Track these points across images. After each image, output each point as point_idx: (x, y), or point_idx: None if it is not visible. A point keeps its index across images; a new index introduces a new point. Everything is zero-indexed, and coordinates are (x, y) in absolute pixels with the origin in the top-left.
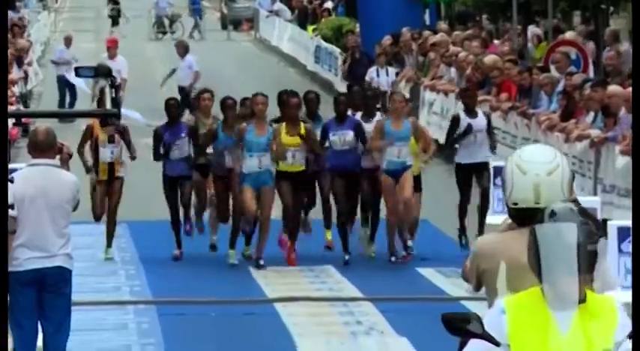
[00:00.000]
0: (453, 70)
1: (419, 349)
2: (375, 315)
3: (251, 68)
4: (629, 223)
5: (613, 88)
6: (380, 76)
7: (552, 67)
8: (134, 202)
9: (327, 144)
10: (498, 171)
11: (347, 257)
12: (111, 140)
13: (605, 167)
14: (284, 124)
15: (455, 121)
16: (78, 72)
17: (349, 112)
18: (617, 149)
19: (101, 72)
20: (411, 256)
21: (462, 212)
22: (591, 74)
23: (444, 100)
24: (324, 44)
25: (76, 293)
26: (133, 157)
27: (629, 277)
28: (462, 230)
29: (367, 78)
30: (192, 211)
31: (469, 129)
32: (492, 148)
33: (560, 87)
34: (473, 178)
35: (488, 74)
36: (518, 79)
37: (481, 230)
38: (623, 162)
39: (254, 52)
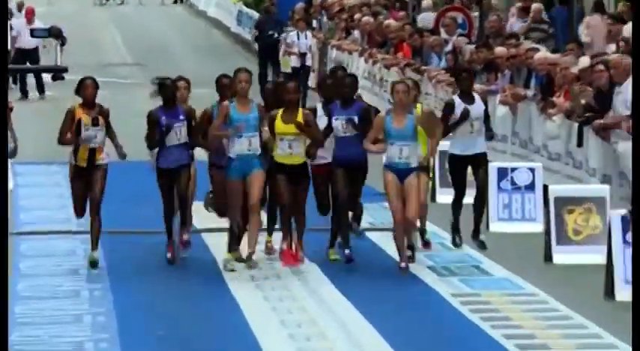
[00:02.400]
0: (356, 32)
1: (333, 280)
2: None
3: (185, 32)
4: (506, 164)
5: (499, 49)
6: (300, 40)
7: (442, 30)
8: None
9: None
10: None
11: (347, 251)
12: (95, 123)
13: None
14: (281, 110)
15: (449, 107)
16: (33, 33)
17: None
18: (497, 100)
19: (54, 32)
20: (429, 246)
21: (457, 209)
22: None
23: (349, 57)
24: (246, 9)
25: (29, 224)
26: (116, 145)
27: (506, 211)
28: (456, 229)
29: (289, 41)
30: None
31: (466, 114)
32: (489, 138)
33: (448, 47)
34: (468, 171)
35: (388, 36)
36: (411, 41)
37: (477, 232)
38: (502, 111)
39: (186, 17)
